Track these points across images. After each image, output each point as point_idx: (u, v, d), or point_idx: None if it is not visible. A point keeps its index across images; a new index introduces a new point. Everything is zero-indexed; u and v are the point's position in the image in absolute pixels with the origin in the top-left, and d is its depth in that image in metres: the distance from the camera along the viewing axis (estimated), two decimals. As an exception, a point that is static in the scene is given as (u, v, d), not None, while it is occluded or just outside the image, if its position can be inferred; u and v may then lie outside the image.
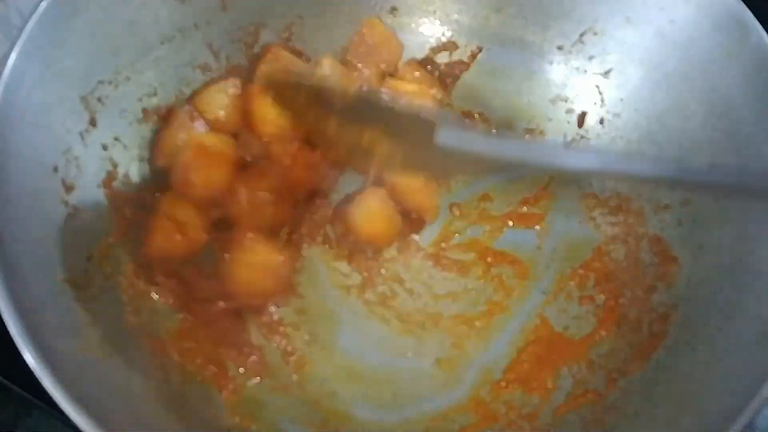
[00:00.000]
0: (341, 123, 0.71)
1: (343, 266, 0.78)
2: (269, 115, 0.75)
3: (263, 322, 0.74)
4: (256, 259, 0.71)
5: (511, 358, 0.75)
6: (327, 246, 0.79)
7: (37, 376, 0.51)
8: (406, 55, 0.87)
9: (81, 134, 0.67)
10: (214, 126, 0.76)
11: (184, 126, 0.75)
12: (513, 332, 0.76)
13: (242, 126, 0.77)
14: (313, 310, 0.76)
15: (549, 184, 0.82)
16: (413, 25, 0.87)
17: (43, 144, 0.63)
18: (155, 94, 0.76)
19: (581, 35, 0.80)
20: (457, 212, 0.82)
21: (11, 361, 0.52)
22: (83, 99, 0.68)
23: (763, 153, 0.66)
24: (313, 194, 0.79)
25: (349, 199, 0.79)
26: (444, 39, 0.87)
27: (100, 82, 0.69)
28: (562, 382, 0.71)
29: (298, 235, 0.78)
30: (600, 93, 0.81)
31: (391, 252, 0.79)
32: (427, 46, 0.87)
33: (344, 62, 0.82)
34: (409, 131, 0.67)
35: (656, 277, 0.72)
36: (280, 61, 0.80)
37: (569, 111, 0.83)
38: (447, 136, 0.63)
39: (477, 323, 0.76)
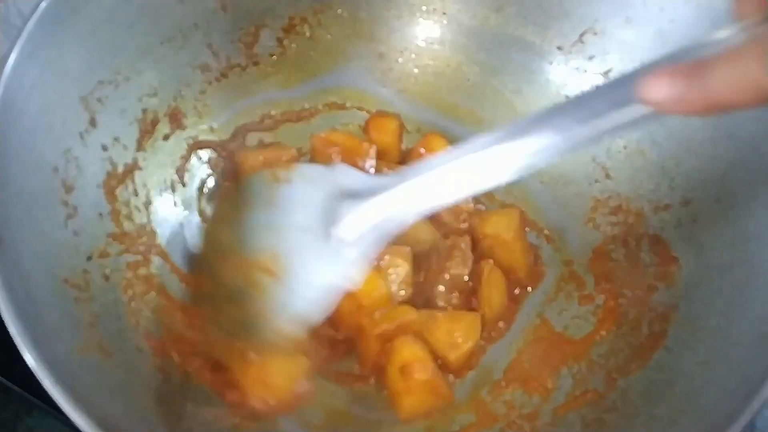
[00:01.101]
0: None
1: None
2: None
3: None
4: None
5: (511, 358, 0.75)
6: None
7: (37, 376, 0.51)
8: (407, 53, 0.87)
9: (81, 134, 0.67)
10: None
11: None
12: (513, 332, 0.76)
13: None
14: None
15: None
16: (413, 24, 0.87)
17: (42, 144, 0.63)
18: (155, 95, 0.76)
19: (581, 35, 0.80)
20: None
21: (11, 362, 0.52)
22: (83, 99, 0.68)
23: (763, 153, 0.66)
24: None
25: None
26: (443, 38, 0.87)
27: (100, 82, 0.69)
28: (562, 382, 0.71)
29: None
30: (600, 93, 0.81)
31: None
32: (427, 45, 0.87)
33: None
34: None
35: (656, 277, 0.72)
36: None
37: (569, 111, 0.83)
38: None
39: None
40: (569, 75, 0.83)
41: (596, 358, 0.71)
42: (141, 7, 0.71)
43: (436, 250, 0.76)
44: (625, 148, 0.79)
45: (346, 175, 0.64)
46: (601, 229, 0.79)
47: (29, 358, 0.51)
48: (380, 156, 0.81)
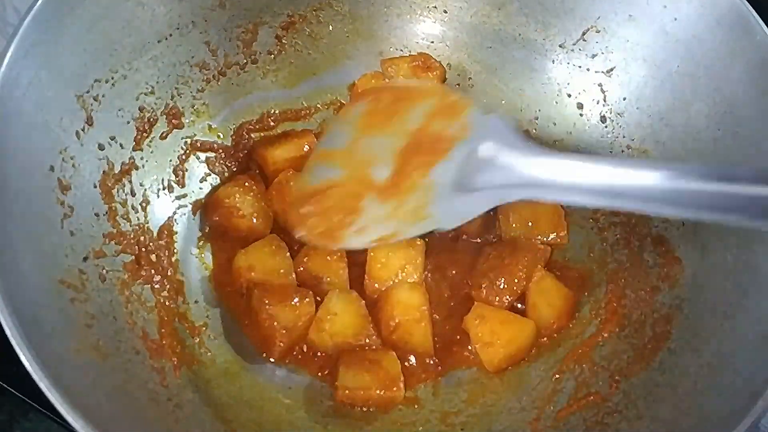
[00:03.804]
0: None
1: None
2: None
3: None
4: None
5: (513, 359, 0.74)
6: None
7: (34, 378, 0.51)
8: (407, 51, 0.87)
9: (77, 133, 0.67)
10: None
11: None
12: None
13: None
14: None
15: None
16: (414, 21, 0.86)
17: (39, 143, 0.63)
18: (152, 93, 0.75)
19: (583, 33, 0.80)
20: None
21: (8, 364, 0.52)
22: (80, 98, 0.67)
23: (766, 152, 0.66)
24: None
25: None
26: (444, 36, 0.86)
27: (97, 80, 0.69)
28: (564, 384, 0.70)
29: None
30: (603, 91, 0.80)
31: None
32: (428, 43, 0.87)
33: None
34: None
35: (659, 277, 0.71)
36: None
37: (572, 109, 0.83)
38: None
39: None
40: (571, 73, 0.82)
41: (599, 360, 0.70)
42: (138, 5, 0.71)
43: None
44: (628, 147, 0.78)
45: (501, 130, 0.62)
46: (604, 229, 0.79)
47: (25, 360, 0.51)
48: None
